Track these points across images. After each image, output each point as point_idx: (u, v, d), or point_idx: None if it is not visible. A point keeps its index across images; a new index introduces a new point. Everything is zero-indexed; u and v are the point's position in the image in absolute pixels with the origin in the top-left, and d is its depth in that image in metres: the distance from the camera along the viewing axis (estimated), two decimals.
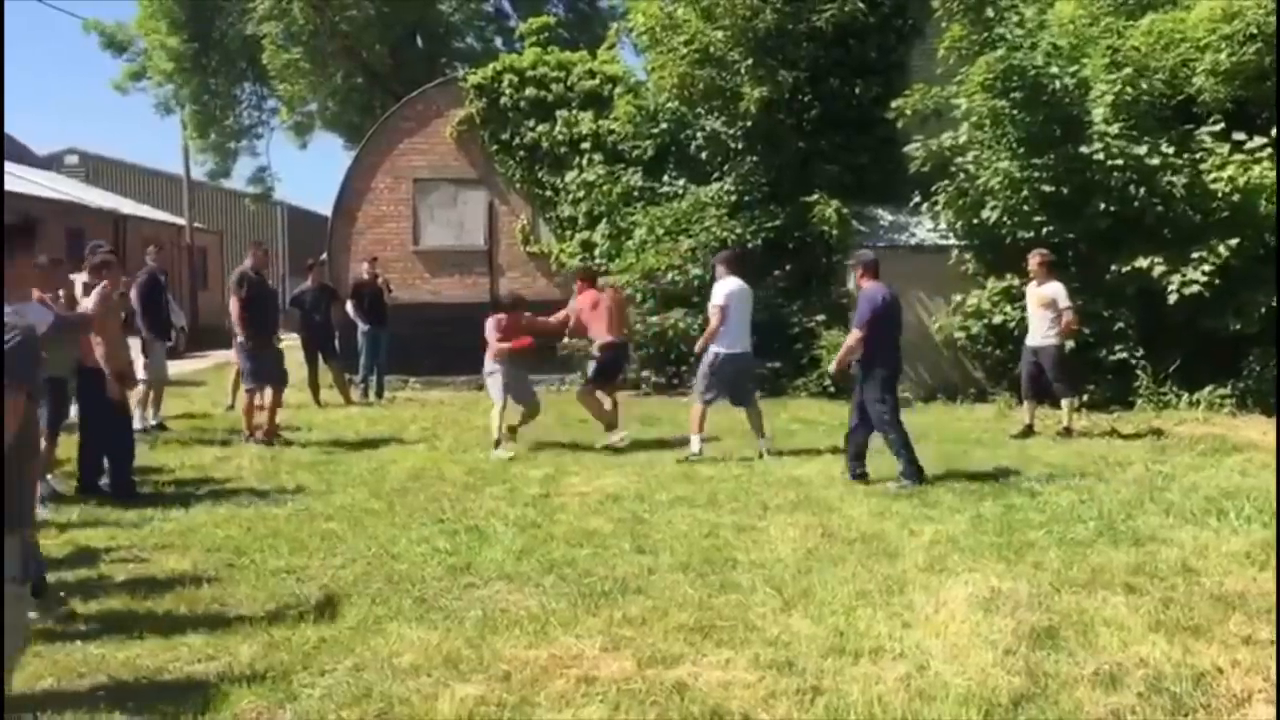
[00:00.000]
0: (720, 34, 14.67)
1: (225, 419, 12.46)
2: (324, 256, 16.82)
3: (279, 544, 6.61)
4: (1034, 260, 11.02)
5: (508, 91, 17.17)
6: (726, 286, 9.84)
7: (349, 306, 14.66)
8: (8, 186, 27.78)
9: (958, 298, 13.89)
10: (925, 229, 14.76)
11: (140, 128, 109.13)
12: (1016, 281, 13.05)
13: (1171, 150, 12.56)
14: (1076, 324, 11.05)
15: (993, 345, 13.56)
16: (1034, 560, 6.18)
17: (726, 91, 14.89)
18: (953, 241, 14.25)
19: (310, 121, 30.11)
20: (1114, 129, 12.65)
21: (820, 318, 14.48)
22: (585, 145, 16.88)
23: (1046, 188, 12.78)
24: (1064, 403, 10.95)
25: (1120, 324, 12.77)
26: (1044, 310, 10.84)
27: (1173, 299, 12.26)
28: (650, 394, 14.84)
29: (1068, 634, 4.88)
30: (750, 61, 14.67)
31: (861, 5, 14.81)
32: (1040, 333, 10.90)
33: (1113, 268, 12.75)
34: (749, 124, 14.90)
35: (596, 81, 17.14)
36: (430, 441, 11.03)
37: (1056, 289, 10.80)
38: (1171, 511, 7.33)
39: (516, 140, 17.26)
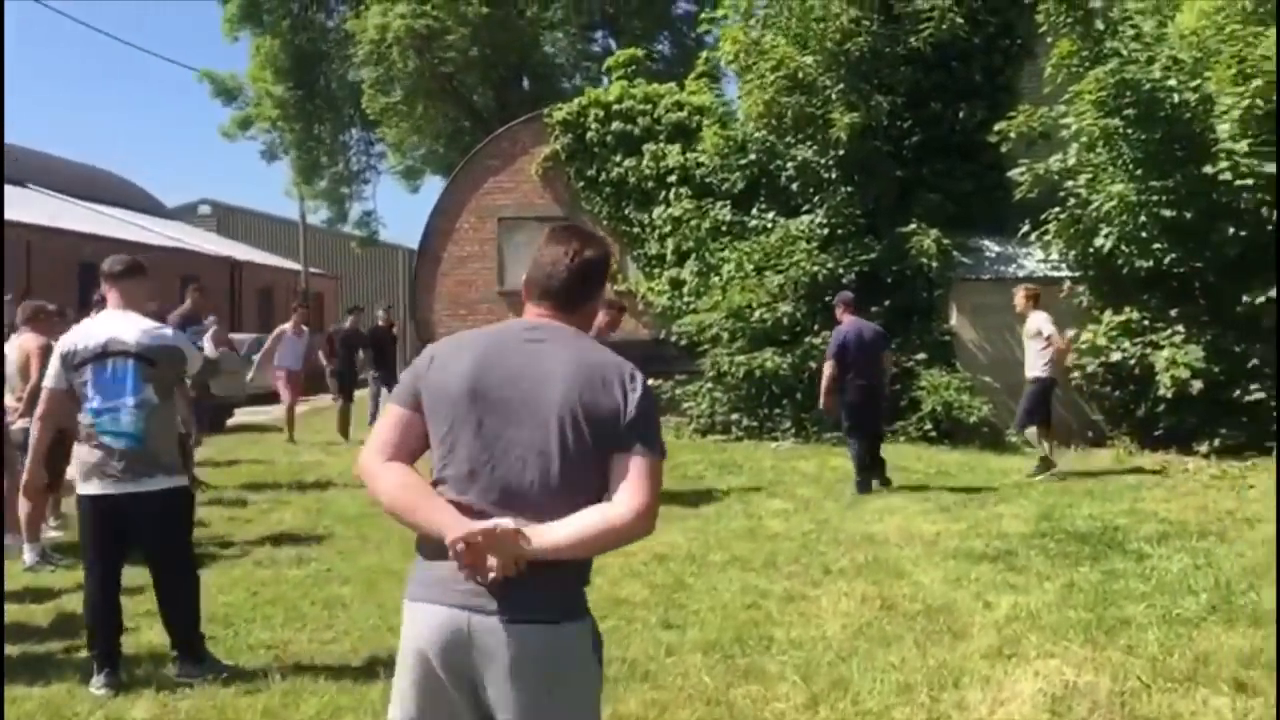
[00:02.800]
0: (810, 59, 13.92)
1: (290, 467, 12.15)
2: (359, 305, 16.85)
3: (276, 613, 6.05)
4: (1019, 294, 10.88)
5: (593, 126, 16.69)
6: None
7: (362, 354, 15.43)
8: (129, 236, 28.69)
9: (1071, 333, 12.75)
10: (1035, 260, 13.70)
11: (271, 178, 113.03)
12: (1136, 315, 11.98)
13: None
14: (1064, 350, 10.84)
15: (1110, 385, 12.45)
16: (1127, 642, 5.25)
17: (817, 119, 14.07)
18: (1065, 273, 13.17)
19: (420, 166, 30.36)
20: (1243, 146, 11.42)
21: (920, 356, 13.50)
22: (672, 179, 16.21)
23: (1167, 212, 11.61)
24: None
25: (1255, 361, 11.50)
26: (1030, 342, 10.62)
27: None
28: (742, 438, 14.00)
29: None
30: (841, 87, 13.86)
31: (963, 24, 13.86)
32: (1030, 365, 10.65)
33: (1244, 298, 11.52)
34: (841, 152, 14.03)
35: (684, 113, 16.51)
36: None
37: (1036, 320, 10.54)
38: None
39: (603, 176, 16.75)
